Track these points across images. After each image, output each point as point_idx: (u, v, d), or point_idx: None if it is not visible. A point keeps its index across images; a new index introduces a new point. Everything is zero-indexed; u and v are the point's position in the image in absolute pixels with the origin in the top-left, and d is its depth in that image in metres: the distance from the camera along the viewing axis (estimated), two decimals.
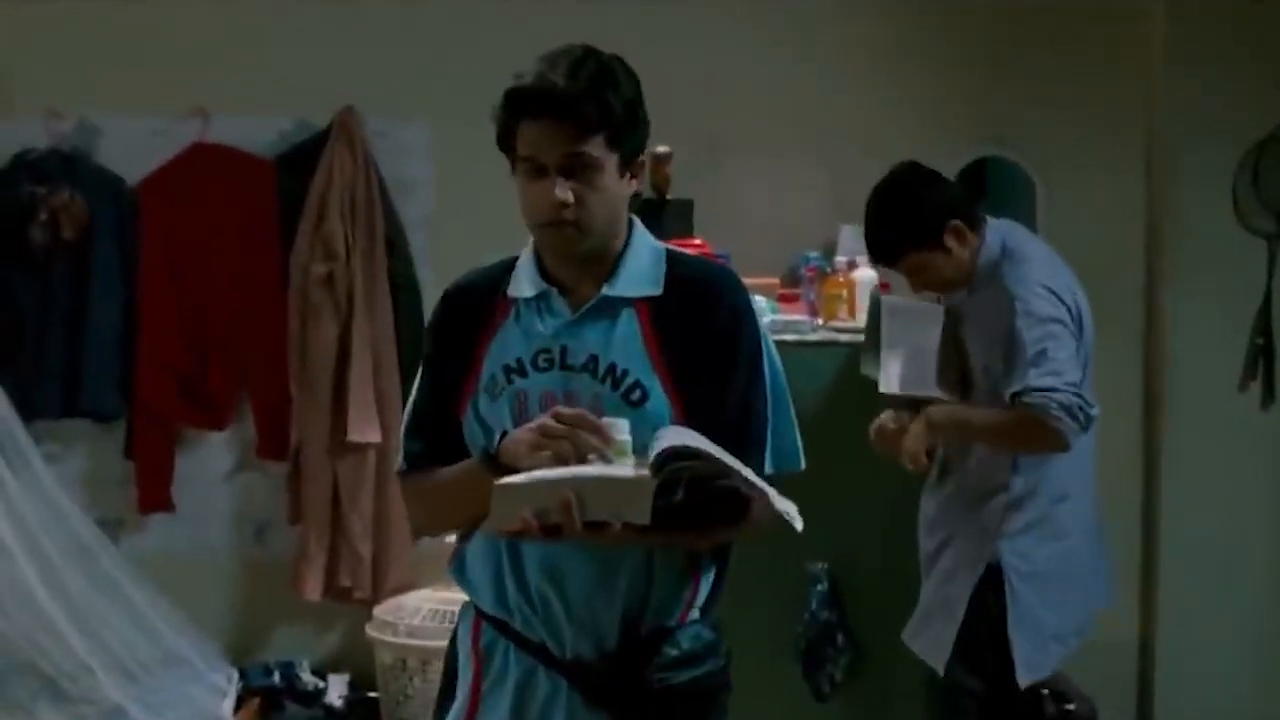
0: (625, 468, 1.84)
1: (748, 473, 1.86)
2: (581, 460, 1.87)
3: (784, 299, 4.26)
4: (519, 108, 2.01)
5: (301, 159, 4.58)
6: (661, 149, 4.42)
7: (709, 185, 4.55)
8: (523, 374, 2.06)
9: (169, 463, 4.65)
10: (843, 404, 3.87)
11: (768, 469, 2.07)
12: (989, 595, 3.23)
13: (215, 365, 4.62)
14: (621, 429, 1.91)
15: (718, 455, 1.83)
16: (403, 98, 4.59)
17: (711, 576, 2.15)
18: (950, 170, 4.70)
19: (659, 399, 2.02)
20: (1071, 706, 3.86)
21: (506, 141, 2.06)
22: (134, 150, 4.61)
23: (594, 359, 2.04)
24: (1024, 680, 3.24)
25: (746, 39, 4.64)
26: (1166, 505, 4.46)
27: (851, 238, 4.44)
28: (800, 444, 2.15)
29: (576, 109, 1.98)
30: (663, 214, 4.40)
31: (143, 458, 4.62)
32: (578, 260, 2.07)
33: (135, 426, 4.61)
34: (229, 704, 4.18)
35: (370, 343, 4.50)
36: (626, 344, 2.05)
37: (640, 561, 2.04)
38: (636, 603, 2.06)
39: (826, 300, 4.18)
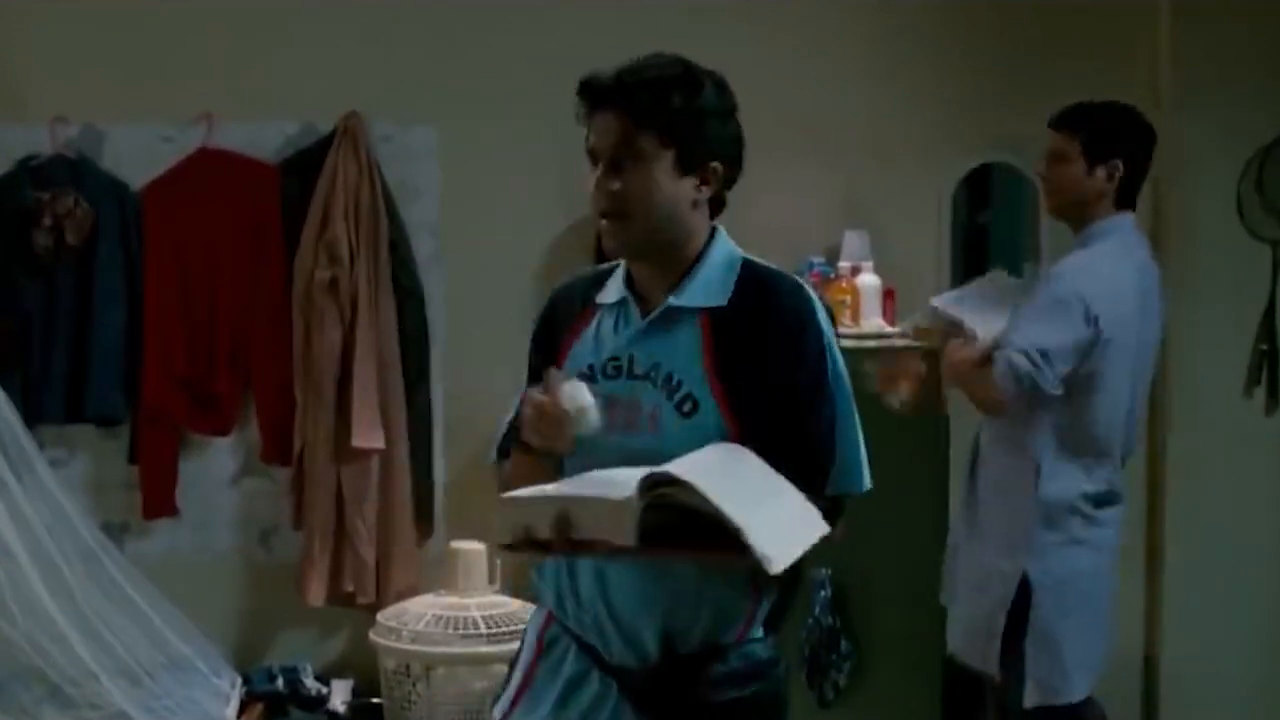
0: (617, 488, 1.82)
1: (732, 507, 1.79)
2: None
3: None
4: (583, 99, 2.09)
5: (306, 164, 4.59)
6: None
7: None
8: (592, 380, 2.08)
9: (173, 467, 4.65)
10: None
11: (829, 490, 2.07)
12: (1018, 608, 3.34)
13: (220, 370, 4.62)
14: (576, 394, 1.99)
15: (702, 484, 1.79)
16: (408, 102, 4.60)
17: (775, 591, 2.11)
18: (954, 176, 4.72)
19: (710, 411, 2.02)
20: None
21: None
22: (139, 156, 4.61)
23: (656, 367, 2.06)
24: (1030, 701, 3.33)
25: (750, 44, 4.63)
26: (1171, 512, 4.45)
27: (855, 243, 4.44)
28: (865, 465, 2.12)
29: (625, 101, 2.04)
30: None
31: (147, 462, 4.62)
32: (633, 255, 2.12)
33: (140, 431, 4.62)
34: (232, 709, 4.17)
35: (374, 348, 4.50)
36: (685, 354, 2.06)
37: (689, 575, 2.03)
38: (683, 617, 2.05)
39: (830, 305, 4.18)
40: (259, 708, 4.38)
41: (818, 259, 4.38)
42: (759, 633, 2.12)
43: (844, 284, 4.20)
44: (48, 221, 4.48)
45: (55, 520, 3.98)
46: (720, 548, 1.80)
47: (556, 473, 2.05)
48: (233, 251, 4.60)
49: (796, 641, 3.95)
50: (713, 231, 2.17)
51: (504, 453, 2.22)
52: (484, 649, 4.15)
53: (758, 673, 2.11)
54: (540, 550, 1.87)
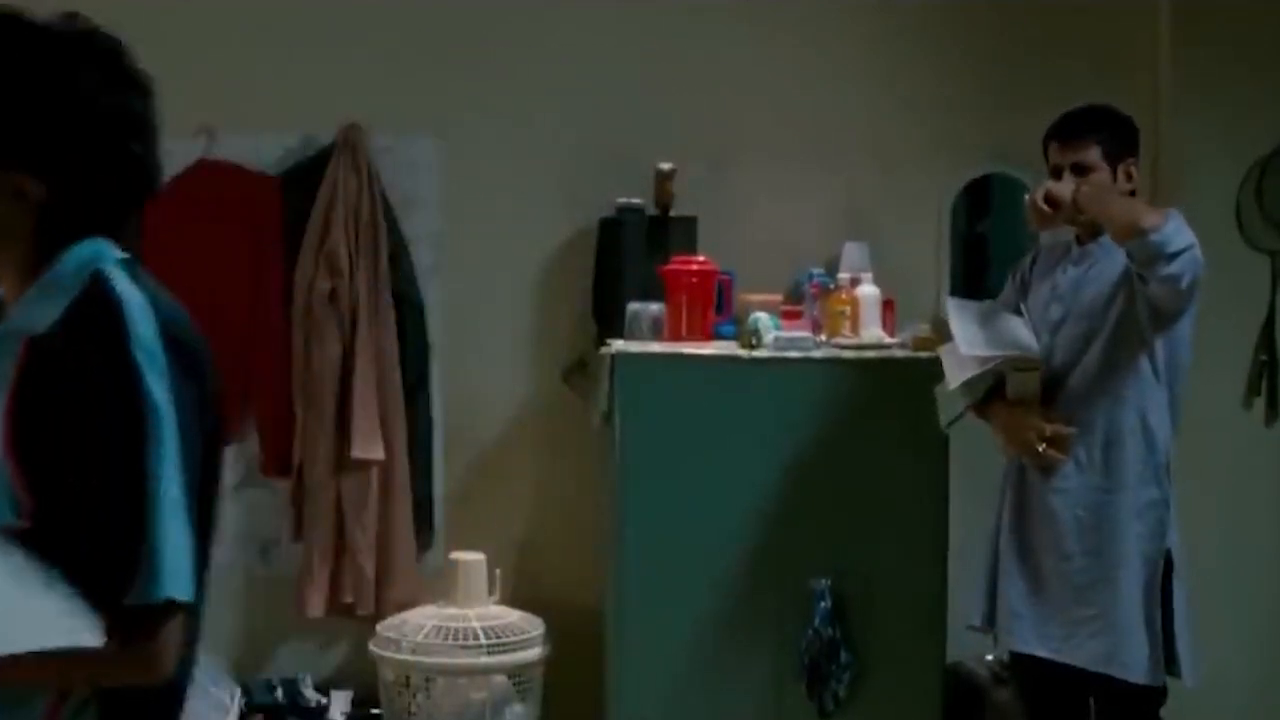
0: None
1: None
2: None
3: (787, 315, 4.26)
4: None
5: (306, 175, 4.59)
6: (665, 165, 4.43)
7: (712, 202, 4.56)
8: None
9: None
10: (844, 421, 3.86)
11: (131, 599, 1.49)
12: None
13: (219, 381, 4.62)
14: None
15: None
16: (408, 114, 4.60)
17: (84, 709, 1.58)
18: (955, 186, 4.73)
19: (1, 477, 1.51)
20: None
21: None
22: None
23: None
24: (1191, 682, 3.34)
25: (750, 44, 4.65)
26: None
27: (855, 254, 4.45)
28: (181, 566, 1.52)
29: None
30: (667, 231, 4.41)
31: None
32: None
33: None
34: None
35: (374, 359, 4.50)
36: None
37: None
38: None
39: (830, 316, 4.18)
40: (258, 719, 4.38)
41: (818, 270, 4.38)
42: None
43: (844, 295, 4.20)
44: None
45: None
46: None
47: None
48: (233, 263, 4.60)
49: (796, 652, 3.95)
50: (80, 245, 1.65)
51: None
52: (484, 660, 4.15)
53: None
54: None
